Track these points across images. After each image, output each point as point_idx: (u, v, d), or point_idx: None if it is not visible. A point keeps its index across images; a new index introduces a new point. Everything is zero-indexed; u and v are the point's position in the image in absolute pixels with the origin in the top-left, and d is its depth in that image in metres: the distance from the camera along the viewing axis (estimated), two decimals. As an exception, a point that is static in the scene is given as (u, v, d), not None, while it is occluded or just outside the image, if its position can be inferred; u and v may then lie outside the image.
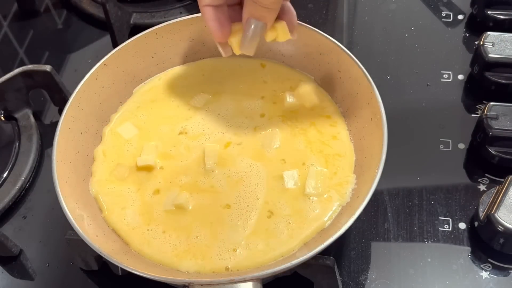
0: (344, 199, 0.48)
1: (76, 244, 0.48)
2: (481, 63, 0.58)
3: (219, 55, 0.59)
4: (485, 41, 0.58)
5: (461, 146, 0.57)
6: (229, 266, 0.46)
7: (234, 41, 0.48)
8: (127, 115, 0.56)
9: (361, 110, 0.52)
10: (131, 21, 0.71)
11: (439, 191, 0.54)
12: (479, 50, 0.58)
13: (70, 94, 0.54)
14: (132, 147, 0.53)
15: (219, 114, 0.55)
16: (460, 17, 0.68)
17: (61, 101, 0.63)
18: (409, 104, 0.61)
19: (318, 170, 0.50)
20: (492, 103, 0.54)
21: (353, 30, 0.69)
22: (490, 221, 0.48)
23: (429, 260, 0.50)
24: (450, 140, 0.57)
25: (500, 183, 0.51)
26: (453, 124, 0.58)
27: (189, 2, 0.73)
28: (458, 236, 0.51)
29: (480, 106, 0.59)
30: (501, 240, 0.48)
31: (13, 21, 0.76)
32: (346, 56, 0.53)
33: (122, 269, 0.45)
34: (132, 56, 0.57)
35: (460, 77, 0.62)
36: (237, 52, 0.49)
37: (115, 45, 0.67)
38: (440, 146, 0.57)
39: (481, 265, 0.49)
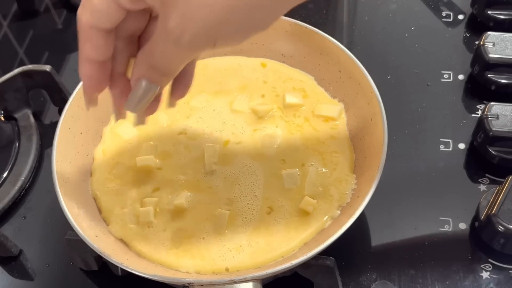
0: (344, 199, 0.48)
1: (76, 244, 0.47)
2: (481, 63, 0.58)
3: (219, 55, 0.59)
4: (485, 41, 0.58)
5: (461, 146, 0.57)
6: (229, 267, 0.46)
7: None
8: (128, 115, 0.56)
9: (361, 110, 0.52)
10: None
11: (439, 191, 0.54)
12: (479, 50, 0.58)
13: (70, 94, 0.54)
14: (132, 147, 0.53)
15: (219, 114, 0.55)
16: (461, 17, 0.68)
17: (61, 101, 0.63)
18: (409, 104, 0.61)
19: (318, 170, 0.50)
20: (492, 103, 0.54)
21: (353, 30, 0.69)
22: (490, 221, 0.48)
23: (429, 260, 0.50)
24: (450, 140, 0.57)
25: (500, 183, 0.50)
26: (453, 124, 0.58)
27: (189, 2, 0.73)
28: (458, 236, 0.51)
29: (480, 106, 0.59)
30: (502, 240, 0.48)
31: (13, 21, 0.76)
32: (346, 56, 0.53)
33: (122, 269, 0.45)
34: (132, 56, 0.57)
35: (461, 77, 0.62)
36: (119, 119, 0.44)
37: (115, 45, 0.66)
38: (440, 146, 0.57)
39: (481, 265, 0.49)
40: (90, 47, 0.38)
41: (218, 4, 0.33)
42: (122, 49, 0.40)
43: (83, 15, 0.37)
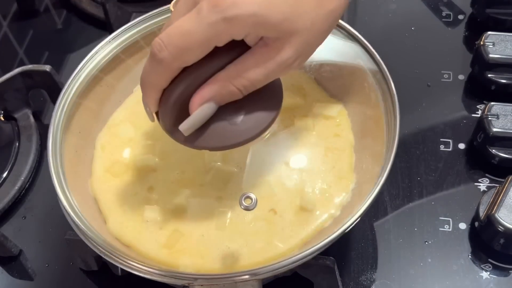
0: (344, 199, 0.48)
1: (76, 244, 0.47)
2: (481, 63, 0.58)
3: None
4: (485, 41, 0.58)
5: (461, 146, 0.57)
6: (229, 266, 0.46)
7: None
8: (127, 114, 0.56)
9: (361, 109, 0.52)
10: (131, 21, 0.70)
11: (439, 191, 0.54)
12: (479, 50, 0.58)
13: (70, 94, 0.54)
14: (131, 146, 0.53)
15: (219, 114, 0.55)
16: (461, 17, 0.68)
17: (61, 101, 0.63)
18: (409, 104, 0.60)
19: (318, 170, 0.50)
20: (492, 103, 0.54)
21: (353, 30, 0.69)
22: (490, 222, 0.48)
23: (429, 260, 0.50)
24: (450, 140, 0.57)
25: (500, 183, 0.50)
26: (453, 124, 0.58)
27: (189, 2, 0.73)
28: (458, 236, 0.51)
29: (480, 106, 0.59)
30: (502, 240, 0.48)
31: (13, 21, 0.76)
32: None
33: (122, 269, 0.45)
34: (132, 55, 0.57)
35: (461, 77, 0.62)
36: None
37: (115, 45, 0.66)
38: (440, 146, 0.57)
39: (481, 266, 0.49)
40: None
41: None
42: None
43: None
